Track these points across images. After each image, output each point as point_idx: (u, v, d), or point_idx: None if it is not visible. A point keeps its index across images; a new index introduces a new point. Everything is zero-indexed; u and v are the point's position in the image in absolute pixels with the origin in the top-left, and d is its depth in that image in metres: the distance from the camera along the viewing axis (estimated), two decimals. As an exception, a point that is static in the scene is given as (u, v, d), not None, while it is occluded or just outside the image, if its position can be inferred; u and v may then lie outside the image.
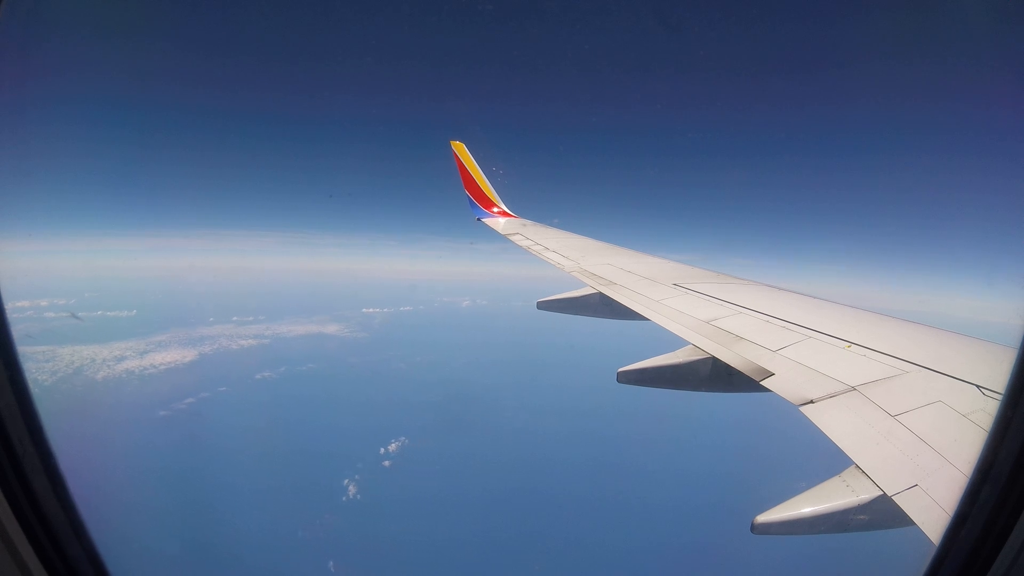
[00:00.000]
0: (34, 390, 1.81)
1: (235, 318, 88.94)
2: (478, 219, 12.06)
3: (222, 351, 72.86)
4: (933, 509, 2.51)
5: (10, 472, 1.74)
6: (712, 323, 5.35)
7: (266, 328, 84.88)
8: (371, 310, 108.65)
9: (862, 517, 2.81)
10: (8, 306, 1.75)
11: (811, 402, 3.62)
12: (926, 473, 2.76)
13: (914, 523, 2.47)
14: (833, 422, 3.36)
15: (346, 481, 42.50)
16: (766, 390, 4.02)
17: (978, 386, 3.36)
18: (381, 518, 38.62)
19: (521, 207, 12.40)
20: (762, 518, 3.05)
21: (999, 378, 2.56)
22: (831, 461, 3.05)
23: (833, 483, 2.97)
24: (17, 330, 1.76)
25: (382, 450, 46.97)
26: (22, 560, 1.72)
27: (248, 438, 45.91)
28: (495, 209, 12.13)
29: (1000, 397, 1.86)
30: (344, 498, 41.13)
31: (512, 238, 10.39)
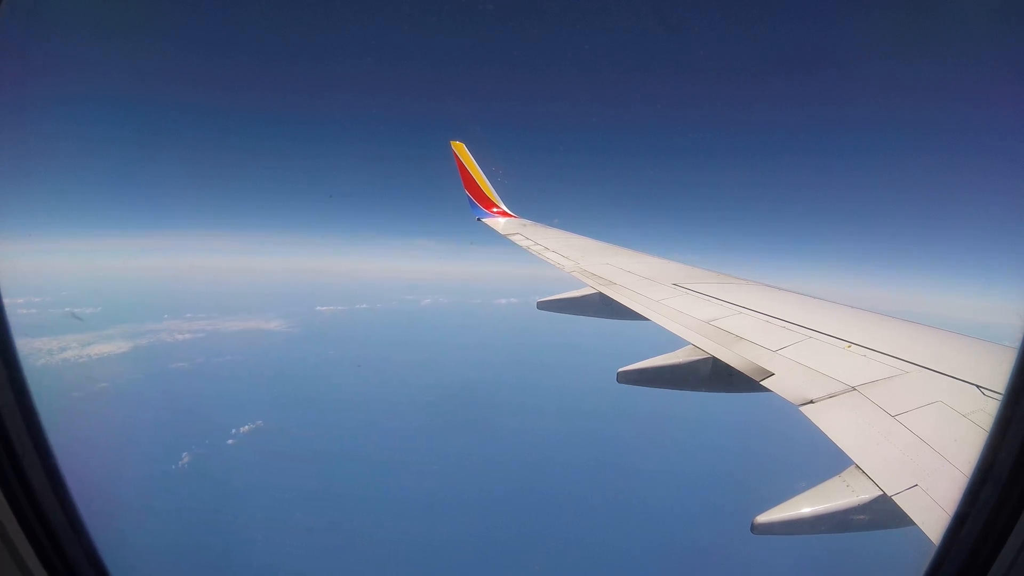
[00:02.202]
0: (33, 389, 1.81)
1: (188, 314, 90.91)
2: (478, 219, 12.07)
3: (156, 343, 75.82)
4: (933, 509, 2.50)
5: (10, 471, 1.73)
6: (712, 323, 5.34)
7: (209, 324, 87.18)
8: (324, 308, 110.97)
9: (862, 517, 2.80)
10: (7, 302, 1.75)
11: (811, 402, 3.62)
12: (926, 473, 2.76)
13: (914, 523, 2.47)
14: (833, 422, 3.36)
15: (184, 454, 43.68)
16: (766, 390, 4.02)
17: (978, 386, 3.36)
18: (213, 492, 39.43)
19: (521, 207, 12.42)
20: (762, 518, 3.05)
21: (999, 378, 2.55)
22: (831, 461, 3.05)
23: (833, 483, 2.97)
24: (16, 329, 1.76)
25: (234, 431, 48.89)
26: (22, 560, 1.72)
27: (136, 418, 49.33)
28: (495, 209, 12.14)
29: (1000, 397, 1.85)
30: (174, 466, 42.30)
31: (512, 238, 10.40)
